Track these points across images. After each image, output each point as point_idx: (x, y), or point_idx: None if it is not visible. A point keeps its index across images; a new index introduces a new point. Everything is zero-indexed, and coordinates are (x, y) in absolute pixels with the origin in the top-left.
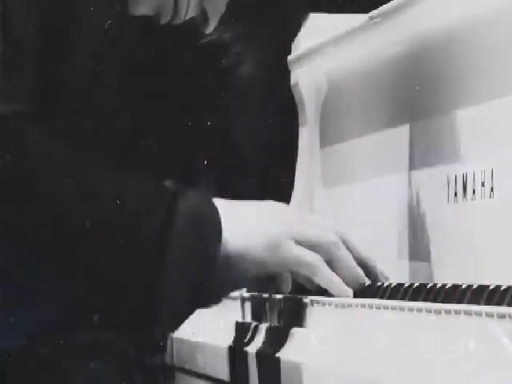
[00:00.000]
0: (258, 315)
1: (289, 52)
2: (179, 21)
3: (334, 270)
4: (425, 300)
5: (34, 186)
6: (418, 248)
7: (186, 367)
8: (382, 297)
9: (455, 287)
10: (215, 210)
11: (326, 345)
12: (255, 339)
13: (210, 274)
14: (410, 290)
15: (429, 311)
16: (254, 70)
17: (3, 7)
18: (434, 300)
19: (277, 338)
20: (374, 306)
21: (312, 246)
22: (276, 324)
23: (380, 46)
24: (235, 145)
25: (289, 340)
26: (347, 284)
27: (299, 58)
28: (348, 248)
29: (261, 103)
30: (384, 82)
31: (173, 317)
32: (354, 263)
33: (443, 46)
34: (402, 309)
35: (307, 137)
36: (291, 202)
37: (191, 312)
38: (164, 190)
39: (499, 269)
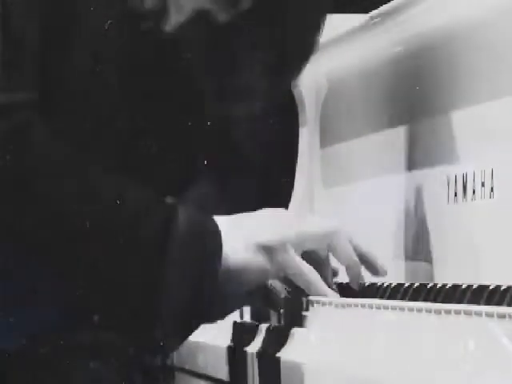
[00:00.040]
0: (257, 315)
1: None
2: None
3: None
4: (425, 300)
5: (34, 185)
6: (418, 248)
7: (186, 367)
8: (382, 297)
9: (455, 287)
10: (215, 223)
11: (326, 345)
12: (255, 339)
13: (211, 288)
14: (410, 290)
15: (429, 311)
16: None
17: (3, 7)
18: (434, 300)
19: (277, 338)
20: (374, 305)
21: (313, 240)
22: (276, 324)
23: (380, 46)
24: (235, 145)
25: (289, 340)
26: (348, 274)
27: None
28: (349, 241)
29: (261, 103)
30: (384, 82)
31: (177, 330)
32: (353, 253)
33: (443, 46)
34: (401, 309)
35: (307, 137)
36: (291, 202)
37: (195, 327)
38: (163, 201)
39: (499, 269)
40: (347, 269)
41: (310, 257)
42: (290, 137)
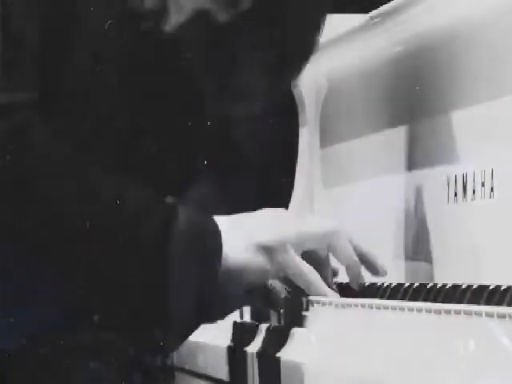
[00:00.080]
0: (257, 315)
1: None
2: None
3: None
4: (425, 300)
5: (34, 185)
6: (418, 248)
7: (186, 367)
8: (382, 297)
9: (455, 287)
10: (215, 223)
11: (326, 345)
12: (255, 339)
13: (211, 288)
14: (410, 290)
15: (429, 311)
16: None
17: (3, 7)
18: (434, 300)
19: (277, 338)
20: (373, 305)
21: (313, 240)
22: (276, 324)
23: (380, 46)
24: (235, 145)
25: (289, 340)
26: (348, 274)
27: None
28: (349, 241)
29: (261, 103)
30: (384, 82)
31: (177, 330)
32: (353, 253)
33: (443, 46)
34: (401, 309)
35: (307, 137)
36: (291, 202)
37: (195, 327)
38: (163, 201)
39: (499, 269)
40: (347, 269)
41: (310, 257)
42: (290, 137)
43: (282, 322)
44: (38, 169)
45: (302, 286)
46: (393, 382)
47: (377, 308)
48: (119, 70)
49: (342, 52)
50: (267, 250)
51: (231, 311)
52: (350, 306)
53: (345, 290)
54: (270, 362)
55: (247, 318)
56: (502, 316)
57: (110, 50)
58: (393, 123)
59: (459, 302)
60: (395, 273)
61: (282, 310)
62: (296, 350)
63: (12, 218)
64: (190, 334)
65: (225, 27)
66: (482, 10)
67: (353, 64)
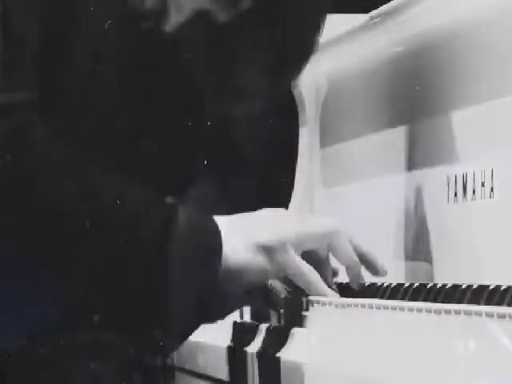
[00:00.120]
0: (257, 315)
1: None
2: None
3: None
4: (425, 300)
5: (34, 185)
6: (418, 248)
7: (186, 367)
8: (382, 297)
9: (455, 287)
10: (215, 223)
11: (326, 345)
12: (255, 339)
13: (211, 287)
14: (410, 290)
15: (429, 311)
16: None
17: (3, 7)
18: (434, 300)
19: (277, 338)
20: (373, 305)
21: (313, 240)
22: (276, 324)
23: (380, 46)
24: (235, 145)
25: (289, 340)
26: (348, 274)
27: None
28: (349, 241)
29: (261, 103)
30: (384, 82)
31: (177, 330)
32: (353, 253)
33: (443, 46)
34: (401, 309)
35: (307, 137)
36: (291, 202)
37: (195, 327)
38: (163, 201)
39: (499, 269)
40: (347, 269)
41: (310, 257)
42: (290, 137)
43: (282, 322)
44: (37, 169)
45: (302, 286)
46: (393, 382)
47: (377, 308)
48: (119, 70)
49: (342, 52)
50: (267, 250)
51: (231, 311)
52: (349, 305)
53: (345, 290)
54: (270, 362)
55: (247, 318)
56: (501, 316)
57: (110, 50)
58: (393, 123)
59: (459, 302)
60: (395, 273)
61: (282, 310)
62: (296, 350)
63: (12, 218)
64: (190, 334)
65: (225, 27)
66: (482, 10)
67: (353, 64)
